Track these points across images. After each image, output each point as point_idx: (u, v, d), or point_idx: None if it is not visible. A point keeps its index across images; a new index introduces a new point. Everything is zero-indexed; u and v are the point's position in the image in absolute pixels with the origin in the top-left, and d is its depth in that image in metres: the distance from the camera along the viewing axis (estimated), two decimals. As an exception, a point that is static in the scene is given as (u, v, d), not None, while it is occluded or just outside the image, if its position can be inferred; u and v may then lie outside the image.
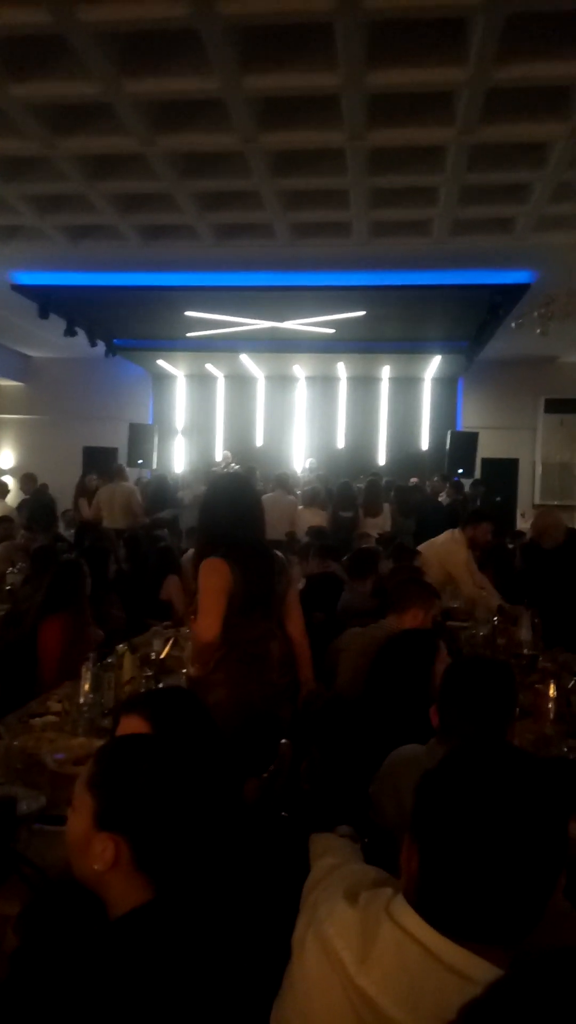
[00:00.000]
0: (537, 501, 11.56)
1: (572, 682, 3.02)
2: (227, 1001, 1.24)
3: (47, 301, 8.14)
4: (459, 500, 9.27)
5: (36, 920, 1.59)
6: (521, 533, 8.36)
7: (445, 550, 5.06)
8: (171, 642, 3.49)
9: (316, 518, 7.91)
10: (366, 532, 7.53)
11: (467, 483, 10.33)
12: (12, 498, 10.24)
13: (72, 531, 9.25)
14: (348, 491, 8.46)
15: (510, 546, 6.92)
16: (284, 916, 1.32)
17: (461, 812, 1.04)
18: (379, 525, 8.02)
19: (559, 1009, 0.61)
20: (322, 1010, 1.07)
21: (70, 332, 8.79)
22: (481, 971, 0.97)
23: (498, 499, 10.42)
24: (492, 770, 1.08)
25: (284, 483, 8.78)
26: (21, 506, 9.28)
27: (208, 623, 2.64)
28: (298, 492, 8.89)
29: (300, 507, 8.22)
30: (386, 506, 8.43)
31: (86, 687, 2.74)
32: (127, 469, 10.15)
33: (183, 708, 1.76)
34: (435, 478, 10.10)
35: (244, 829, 1.78)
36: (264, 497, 8.18)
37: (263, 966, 1.32)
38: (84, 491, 9.26)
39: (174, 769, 1.36)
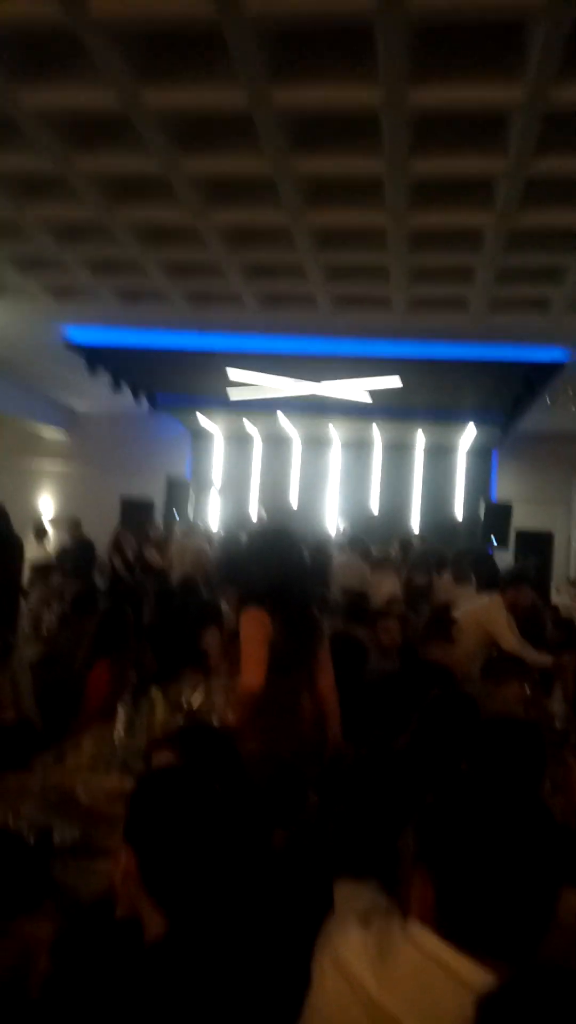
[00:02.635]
0: (572, 576, 11.50)
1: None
2: None
3: (96, 357, 8.46)
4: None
5: (69, 946, 1.66)
6: (555, 608, 8.32)
7: (485, 614, 5.08)
8: (202, 691, 3.57)
9: (388, 582, 7.80)
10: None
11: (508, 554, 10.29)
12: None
13: (104, 579, 9.48)
14: (425, 557, 8.39)
15: (548, 622, 6.84)
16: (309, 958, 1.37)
17: (469, 839, 1.14)
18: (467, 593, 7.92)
19: (552, 1008, 0.66)
20: None
21: (116, 387, 9.12)
22: None
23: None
24: (489, 800, 1.19)
25: (358, 546, 8.72)
26: (63, 554, 9.57)
27: (254, 672, 2.71)
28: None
29: (369, 574, 8.09)
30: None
31: (120, 729, 2.83)
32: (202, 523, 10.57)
33: (208, 743, 1.85)
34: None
35: (271, 875, 1.83)
36: (337, 561, 8.26)
37: (288, 1004, 1.37)
38: (149, 540, 9.74)
39: (186, 794, 1.42)
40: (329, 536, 10.27)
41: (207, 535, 10.25)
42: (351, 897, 1.41)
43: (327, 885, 1.45)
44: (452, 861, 1.14)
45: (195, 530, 10.04)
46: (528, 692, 3.35)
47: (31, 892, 1.82)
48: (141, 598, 5.66)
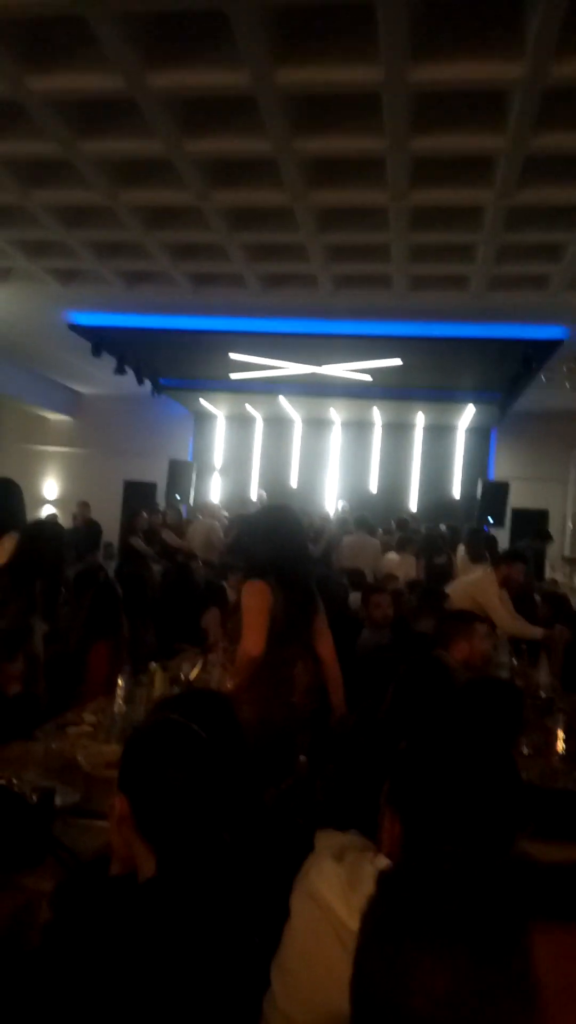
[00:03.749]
0: (566, 554, 11.56)
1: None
2: (229, 972, 1.36)
3: (100, 341, 8.52)
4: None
5: (69, 897, 1.75)
6: (553, 582, 8.40)
7: (477, 588, 5.12)
8: (200, 665, 3.65)
9: (406, 563, 7.86)
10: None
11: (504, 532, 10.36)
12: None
13: (112, 562, 9.60)
14: (436, 537, 8.45)
15: (537, 597, 6.93)
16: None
17: (435, 781, 1.23)
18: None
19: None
20: (317, 954, 1.22)
21: (120, 371, 9.17)
22: None
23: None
24: (454, 745, 1.29)
25: (366, 525, 8.75)
26: (70, 533, 9.67)
27: (254, 640, 2.81)
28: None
29: (393, 553, 8.19)
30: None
31: (120, 700, 2.91)
32: (215, 503, 10.60)
33: (205, 702, 1.92)
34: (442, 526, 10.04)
35: (261, 828, 1.91)
36: (346, 539, 8.32)
37: (268, 935, 1.45)
38: (165, 523, 9.96)
39: (174, 741, 1.48)
40: (328, 516, 10.32)
41: (220, 516, 10.31)
42: (329, 840, 1.49)
43: (310, 833, 1.52)
44: (418, 802, 1.23)
45: (210, 511, 10.12)
46: (477, 648, 3.42)
47: (33, 849, 1.90)
48: (145, 577, 5.74)
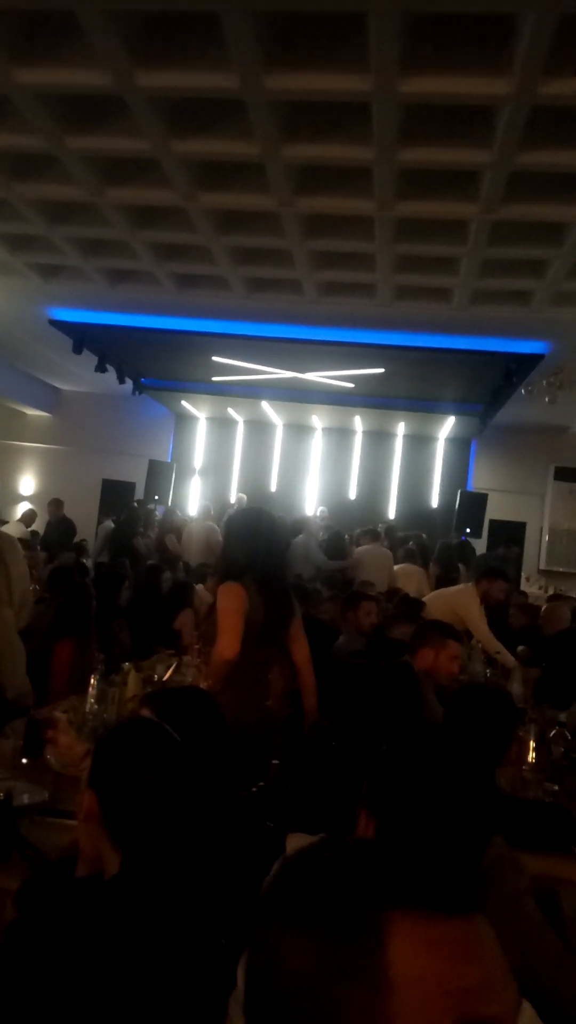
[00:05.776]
0: (542, 566, 11.68)
1: (554, 732, 3.14)
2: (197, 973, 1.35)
3: (82, 337, 8.46)
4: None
5: (33, 895, 1.73)
6: (524, 594, 8.47)
7: (458, 602, 5.17)
8: (173, 667, 3.64)
9: (415, 575, 7.82)
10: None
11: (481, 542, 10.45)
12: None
13: (85, 559, 9.53)
14: (448, 552, 8.35)
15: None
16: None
17: (412, 786, 1.25)
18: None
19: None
20: None
21: (101, 368, 9.11)
22: None
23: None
24: (433, 751, 1.31)
25: (376, 536, 8.72)
26: (46, 530, 9.62)
27: (228, 642, 2.81)
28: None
29: (407, 564, 8.14)
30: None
31: (92, 699, 2.89)
32: (207, 505, 10.59)
33: (184, 701, 1.91)
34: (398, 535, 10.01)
35: (232, 830, 1.91)
36: (360, 550, 8.31)
37: (234, 938, 1.44)
38: (171, 527, 9.87)
39: (144, 741, 1.49)
40: (308, 521, 10.32)
41: (214, 518, 10.27)
42: (300, 843, 1.49)
43: (280, 836, 1.52)
44: (394, 805, 1.24)
45: (205, 514, 10.09)
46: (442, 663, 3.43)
47: (-2, 846, 1.88)
48: (123, 575, 5.73)
